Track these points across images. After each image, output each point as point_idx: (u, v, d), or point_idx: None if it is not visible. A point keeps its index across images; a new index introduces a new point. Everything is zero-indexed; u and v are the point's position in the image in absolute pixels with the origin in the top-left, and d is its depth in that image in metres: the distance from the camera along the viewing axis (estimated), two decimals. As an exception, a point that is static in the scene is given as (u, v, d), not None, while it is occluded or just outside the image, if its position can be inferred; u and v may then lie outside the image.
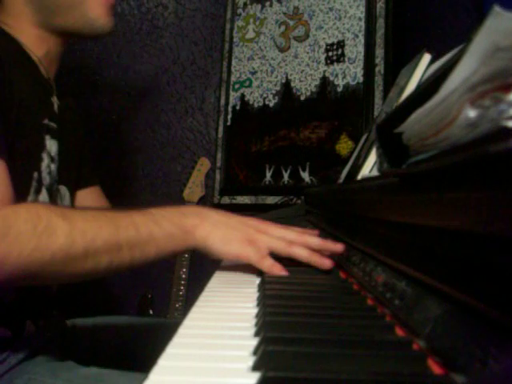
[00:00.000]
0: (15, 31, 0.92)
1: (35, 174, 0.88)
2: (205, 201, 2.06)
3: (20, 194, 0.83)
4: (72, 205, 1.04)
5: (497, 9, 0.31)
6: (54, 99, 1.00)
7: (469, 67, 0.33)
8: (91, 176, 1.17)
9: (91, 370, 0.83)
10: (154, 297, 1.99)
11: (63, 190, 1.00)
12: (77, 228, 0.63)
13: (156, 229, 0.69)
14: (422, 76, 0.84)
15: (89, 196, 1.14)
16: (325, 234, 0.93)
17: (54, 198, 0.95)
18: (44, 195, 0.90)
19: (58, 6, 0.93)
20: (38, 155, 0.90)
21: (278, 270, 0.68)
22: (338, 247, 0.71)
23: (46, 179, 0.91)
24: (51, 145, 0.93)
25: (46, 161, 0.91)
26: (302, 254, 0.70)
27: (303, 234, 0.74)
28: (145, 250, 0.68)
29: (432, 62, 0.84)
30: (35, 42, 0.94)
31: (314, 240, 0.72)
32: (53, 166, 0.94)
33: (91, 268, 0.66)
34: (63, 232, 0.62)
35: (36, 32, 0.94)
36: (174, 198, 2.05)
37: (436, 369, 0.33)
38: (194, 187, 1.99)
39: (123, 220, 0.68)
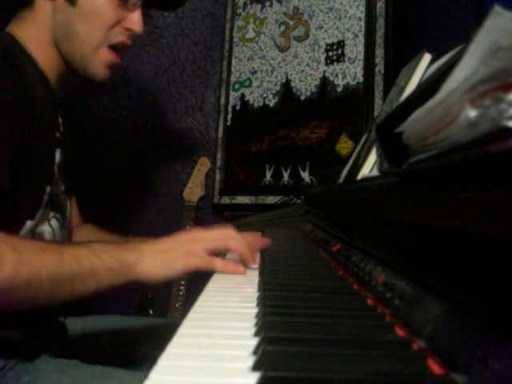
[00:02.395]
0: (31, 42, 0.92)
1: (48, 188, 0.90)
2: (205, 201, 2.06)
3: (32, 208, 0.86)
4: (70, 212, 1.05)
5: (497, 9, 0.31)
6: (59, 117, 1.01)
7: (469, 67, 0.33)
8: (75, 187, 1.18)
9: (96, 367, 0.83)
10: (153, 297, 1.99)
11: (66, 198, 1.01)
12: (24, 259, 0.66)
13: (97, 262, 0.72)
14: (422, 76, 0.84)
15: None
16: (325, 234, 0.93)
17: (62, 208, 0.96)
18: (49, 208, 0.91)
19: (71, 35, 0.93)
20: (51, 169, 0.92)
21: (232, 267, 0.75)
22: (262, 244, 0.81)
23: (53, 192, 0.92)
24: (59, 157, 0.95)
25: (56, 174, 0.93)
26: (238, 245, 0.78)
27: (232, 232, 0.81)
28: (85, 282, 0.72)
29: (432, 62, 0.84)
30: (47, 56, 0.95)
31: (247, 238, 0.82)
32: (60, 179, 0.96)
33: (33, 298, 0.69)
34: (10, 262, 0.64)
35: (49, 47, 0.95)
36: (174, 198, 2.05)
37: (436, 369, 0.33)
38: (194, 187, 1.99)
39: (67, 253, 0.71)
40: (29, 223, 0.85)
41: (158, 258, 0.75)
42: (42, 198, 0.88)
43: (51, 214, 0.92)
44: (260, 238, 0.94)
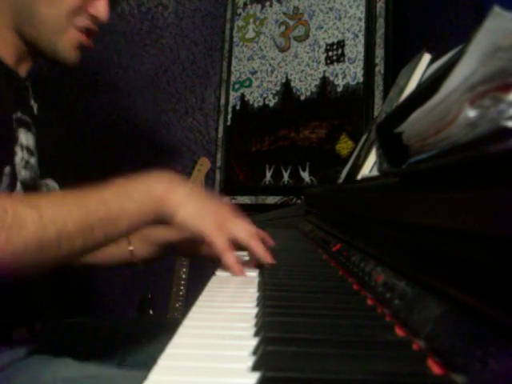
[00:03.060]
0: None
1: (7, 169, 0.86)
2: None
3: None
4: None
5: (497, 9, 0.31)
6: (32, 103, 0.99)
7: (469, 67, 0.33)
8: (72, 176, 1.16)
9: (90, 367, 0.82)
10: (154, 297, 1.99)
11: (51, 183, 0.99)
12: (46, 215, 0.62)
13: (126, 202, 0.69)
14: (422, 76, 0.84)
15: None
16: (325, 234, 0.93)
17: (34, 191, 0.93)
18: (19, 189, 0.88)
19: (38, 19, 0.91)
20: (10, 149, 0.87)
21: (239, 270, 0.72)
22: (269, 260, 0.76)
23: (21, 173, 0.89)
24: (27, 139, 0.92)
25: (19, 154, 0.89)
26: (258, 249, 0.75)
27: (257, 232, 0.79)
28: (117, 224, 0.68)
29: (432, 61, 0.84)
30: (5, 43, 0.92)
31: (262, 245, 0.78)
32: (32, 160, 0.92)
33: (66, 252, 0.65)
34: (33, 221, 0.61)
35: (8, 34, 0.92)
36: (174, 197, 2.05)
37: (436, 369, 0.33)
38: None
39: (92, 198, 0.68)
40: None
41: (190, 200, 0.72)
42: (0, 179, 0.83)
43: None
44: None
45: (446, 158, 0.36)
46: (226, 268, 0.73)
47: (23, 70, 0.99)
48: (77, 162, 1.28)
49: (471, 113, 0.32)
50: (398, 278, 0.47)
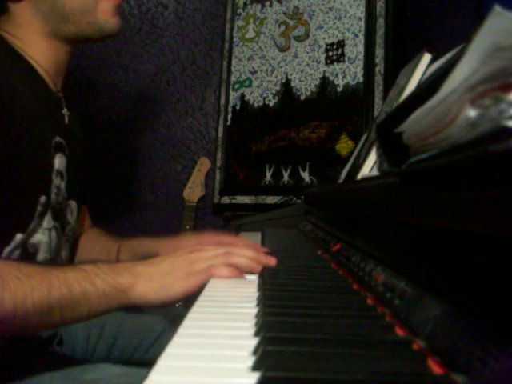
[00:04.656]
0: (23, 43, 0.90)
1: (42, 199, 0.85)
2: (205, 201, 2.06)
3: (23, 220, 0.82)
4: (78, 218, 1.02)
5: (497, 9, 0.31)
6: (65, 111, 0.99)
7: (469, 67, 0.33)
8: (87, 194, 1.16)
9: (88, 363, 0.83)
10: (153, 297, 1.99)
11: (73, 204, 0.98)
12: (8, 288, 0.62)
13: (89, 288, 0.68)
14: (422, 76, 0.84)
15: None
16: (325, 234, 0.93)
17: (62, 215, 0.93)
18: (49, 217, 0.88)
19: (70, 13, 0.91)
20: (47, 177, 0.87)
21: (235, 273, 0.70)
22: (272, 261, 0.74)
23: (54, 200, 0.88)
24: (61, 162, 0.91)
25: (54, 181, 0.88)
26: (241, 261, 0.72)
27: (234, 247, 0.76)
28: (76, 310, 0.68)
29: (432, 61, 0.84)
30: (44, 53, 0.92)
31: (247, 252, 0.75)
32: (62, 184, 0.91)
33: (19, 326, 0.65)
34: None
35: (45, 42, 0.92)
36: (174, 198, 2.05)
37: (436, 369, 0.33)
38: (194, 187, 1.99)
39: (56, 279, 0.67)
40: (19, 236, 0.81)
41: (155, 282, 0.70)
42: (35, 208, 0.84)
43: (51, 224, 0.88)
44: (264, 257, 0.79)
45: (446, 158, 0.36)
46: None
47: (59, 82, 0.99)
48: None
49: (471, 112, 0.32)
50: (398, 277, 0.47)
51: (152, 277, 0.71)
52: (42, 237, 0.86)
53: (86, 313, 0.68)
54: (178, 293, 0.70)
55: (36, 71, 0.92)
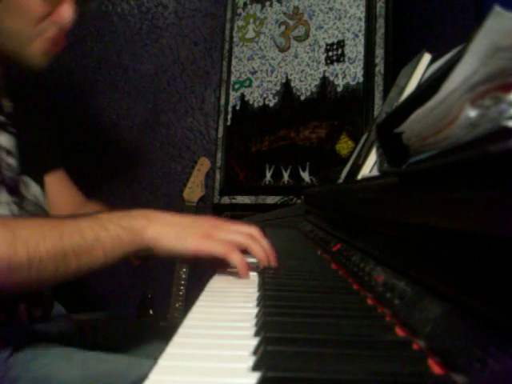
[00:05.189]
0: None
1: None
2: (205, 201, 2.06)
3: None
4: (42, 192, 1.03)
5: (497, 9, 0.31)
6: (6, 101, 0.99)
7: (469, 67, 0.33)
8: (52, 160, 1.16)
9: (104, 353, 0.82)
10: (153, 297, 1.99)
11: (26, 179, 0.99)
12: (19, 237, 0.63)
13: (102, 233, 0.68)
14: (422, 76, 0.84)
15: (53, 180, 1.12)
16: (325, 234, 0.93)
17: (16, 190, 0.94)
18: (4, 191, 0.89)
19: (1, 29, 0.90)
20: None
21: (244, 271, 0.69)
22: (273, 262, 0.74)
23: (6, 175, 0.90)
24: (6, 140, 0.93)
25: (3, 158, 0.90)
26: (258, 251, 0.72)
27: (256, 232, 0.75)
28: (91, 255, 0.68)
29: (432, 62, 0.84)
30: None
31: (265, 244, 0.74)
32: (12, 161, 0.93)
33: (36, 276, 0.65)
34: (5, 241, 0.62)
35: None
36: (174, 197, 2.05)
37: (436, 369, 0.33)
38: (194, 187, 1.99)
39: (68, 226, 0.67)
40: None
41: (170, 228, 0.70)
42: None
43: (9, 199, 0.89)
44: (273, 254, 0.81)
45: (446, 158, 0.36)
46: (234, 267, 0.70)
47: (2, 72, 0.99)
48: (76, 161, 1.28)
49: (472, 113, 0.32)
50: (398, 277, 0.47)
51: (169, 224, 0.71)
52: (2, 211, 0.87)
53: (101, 257, 0.69)
54: (189, 247, 0.70)
55: None
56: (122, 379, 0.77)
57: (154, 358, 0.37)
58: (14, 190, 0.92)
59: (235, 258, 0.69)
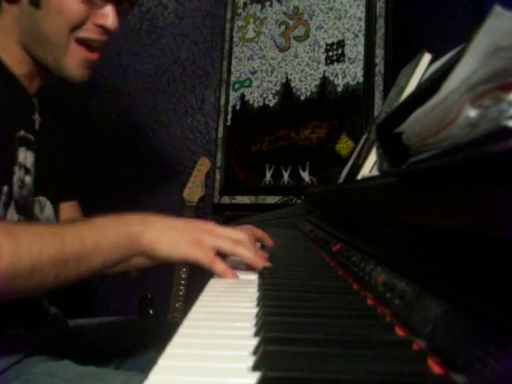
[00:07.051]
0: None
1: (5, 188, 0.86)
2: (205, 200, 2.06)
3: None
4: (56, 215, 1.02)
5: (497, 9, 0.31)
6: (36, 117, 0.99)
7: (469, 67, 0.33)
8: (70, 191, 1.16)
9: (88, 368, 0.82)
10: (153, 297, 1.99)
11: (43, 200, 0.99)
12: (22, 245, 0.63)
13: (101, 239, 0.70)
14: (422, 76, 0.84)
15: (65, 211, 1.13)
16: (325, 234, 0.93)
17: (29, 210, 0.93)
18: (12, 210, 0.88)
19: (41, 38, 0.91)
20: (9, 169, 0.88)
21: (230, 275, 0.71)
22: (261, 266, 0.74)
23: (17, 192, 0.89)
24: (26, 157, 0.92)
25: (17, 174, 0.90)
26: (246, 254, 0.74)
27: (247, 235, 0.77)
28: (91, 260, 0.70)
29: (432, 61, 0.84)
30: (16, 58, 0.93)
31: (253, 248, 0.76)
32: (27, 178, 0.92)
33: (38, 283, 0.66)
34: (9, 250, 0.62)
35: (17, 50, 0.93)
36: (174, 197, 2.05)
37: (436, 369, 0.33)
38: (194, 187, 1.99)
39: (68, 233, 0.69)
40: None
41: (165, 234, 0.73)
42: None
43: (16, 217, 0.89)
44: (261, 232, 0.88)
45: (446, 158, 0.36)
46: (219, 276, 0.72)
47: (34, 87, 0.99)
48: (76, 163, 1.27)
49: (472, 113, 0.32)
50: (398, 277, 0.47)
51: (163, 229, 0.73)
52: None
53: (100, 263, 0.71)
54: (180, 254, 0.72)
55: (7, 70, 0.92)
56: None
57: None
58: (23, 209, 0.91)
59: (218, 269, 0.71)
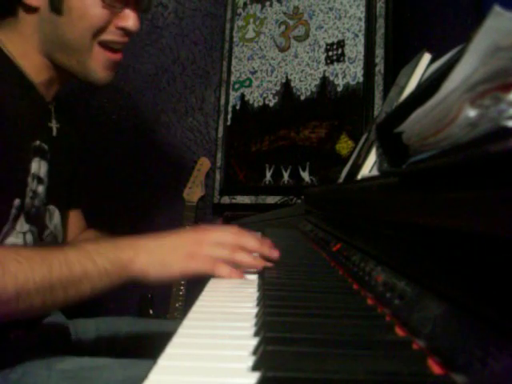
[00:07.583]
0: (17, 50, 0.91)
1: (16, 202, 0.86)
2: (205, 200, 2.06)
3: None
4: (62, 223, 1.02)
5: (497, 9, 0.31)
6: (53, 123, 0.99)
7: (469, 67, 0.33)
8: (78, 199, 1.16)
9: (84, 359, 0.82)
10: (153, 297, 1.99)
11: (52, 208, 0.99)
12: (8, 271, 0.63)
13: (90, 266, 0.69)
14: (422, 76, 0.84)
15: (71, 219, 1.13)
16: (325, 234, 0.93)
17: (40, 219, 0.93)
18: (22, 220, 0.88)
19: (65, 44, 0.91)
20: (22, 180, 0.88)
21: (236, 275, 0.70)
22: (274, 254, 0.74)
23: (28, 203, 0.89)
24: (39, 167, 0.91)
25: (30, 185, 0.89)
26: (245, 260, 0.73)
27: (240, 236, 0.75)
28: (79, 288, 0.69)
29: (432, 61, 0.84)
30: (36, 66, 0.93)
31: (252, 243, 0.74)
32: (40, 188, 0.92)
33: (24, 308, 0.66)
34: None
35: (38, 58, 0.93)
36: (174, 198, 2.05)
37: (436, 369, 0.33)
38: (194, 187, 1.99)
39: (57, 260, 0.68)
40: None
41: (155, 257, 0.71)
42: (9, 212, 0.84)
43: (26, 227, 0.88)
44: (267, 248, 0.80)
45: (446, 158, 0.36)
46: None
47: (50, 94, 0.99)
48: (85, 169, 1.27)
49: (471, 112, 0.32)
50: (398, 277, 0.47)
51: (153, 251, 0.72)
52: (16, 240, 0.87)
53: (88, 290, 0.70)
54: (175, 272, 0.71)
55: (25, 78, 0.92)
56: None
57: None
58: (33, 220, 0.91)
59: (223, 272, 0.70)
